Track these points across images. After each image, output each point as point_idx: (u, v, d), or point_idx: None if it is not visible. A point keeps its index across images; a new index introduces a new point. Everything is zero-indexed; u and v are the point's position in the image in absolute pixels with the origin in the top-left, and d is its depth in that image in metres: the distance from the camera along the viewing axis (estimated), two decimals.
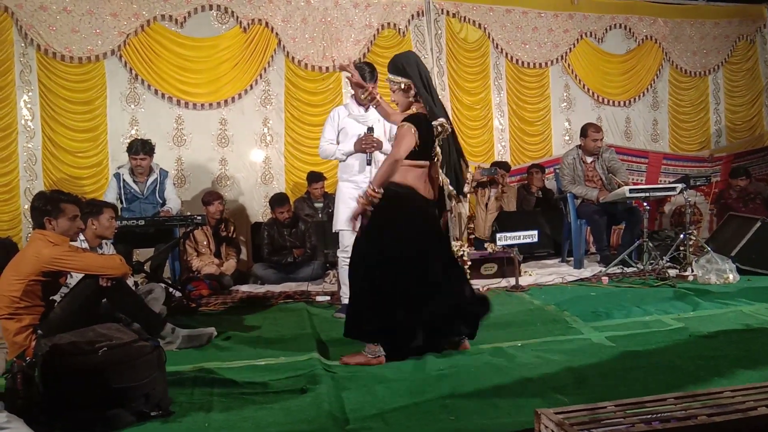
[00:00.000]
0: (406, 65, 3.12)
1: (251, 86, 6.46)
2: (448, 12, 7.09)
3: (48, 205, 3.21)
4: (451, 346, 3.23)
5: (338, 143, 4.20)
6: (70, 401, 2.29)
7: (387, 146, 4.10)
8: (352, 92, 4.26)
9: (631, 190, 5.27)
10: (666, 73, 7.90)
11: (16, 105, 5.87)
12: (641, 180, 7.45)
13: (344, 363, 3.08)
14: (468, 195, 3.22)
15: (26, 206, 5.56)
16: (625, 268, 5.38)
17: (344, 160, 4.16)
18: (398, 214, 3.07)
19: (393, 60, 3.20)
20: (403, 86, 3.11)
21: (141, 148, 5.20)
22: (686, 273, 5.10)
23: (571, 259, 5.89)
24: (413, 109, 3.14)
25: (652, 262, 5.19)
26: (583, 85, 7.59)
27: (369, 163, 4.07)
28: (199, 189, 6.30)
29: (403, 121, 3.08)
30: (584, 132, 5.87)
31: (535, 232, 5.19)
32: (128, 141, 5.63)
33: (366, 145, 4.00)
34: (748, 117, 8.23)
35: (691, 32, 7.92)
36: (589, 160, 5.88)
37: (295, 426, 2.27)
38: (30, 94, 5.92)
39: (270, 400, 2.56)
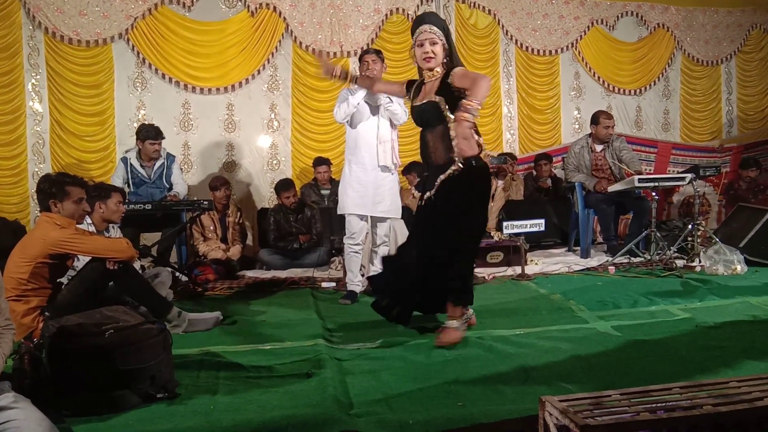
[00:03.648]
0: (449, 32, 3.08)
1: (258, 71, 6.44)
2: None
3: (53, 188, 3.21)
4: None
5: (350, 125, 4.19)
6: (76, 382, 2.30)
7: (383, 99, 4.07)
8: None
9: (640, 180, 5.23)
10: (678, 62, 7.82)
11: (24, 88, 5.89)
12: (650, 170, 7.39)
13: (444, 344, 3.02)
14: None
15: (34, 189, 5.58)
16: (632, 258, 5.36)
17: (356, 105, 4.10)
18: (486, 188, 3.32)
19: (435, 16, 3.14)
20: (444, 45, 3.06)
21: (157, 133, 5.23)
22: (694, 263, 5.06)
23: (578, 248, 5.86)
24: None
25: (659, 252, 5.17)
26: (594, 73, 7.52)
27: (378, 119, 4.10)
28: (205, 174, 6.31)
29: (455, 69, 3.02)
30: (595, 119, 5.82)
31: (542, 221, 5.16)
32: (136, 125, 5.64)
33: (367, 70, 4.03)
34: (761, 107, 8.15)
35: (703, 20, 7.83)
36: (598, 148, 5.83)
37: (299, 410, 2.28)
38: (38, 77, 5.93)
39: (275, 384, 2.57)
